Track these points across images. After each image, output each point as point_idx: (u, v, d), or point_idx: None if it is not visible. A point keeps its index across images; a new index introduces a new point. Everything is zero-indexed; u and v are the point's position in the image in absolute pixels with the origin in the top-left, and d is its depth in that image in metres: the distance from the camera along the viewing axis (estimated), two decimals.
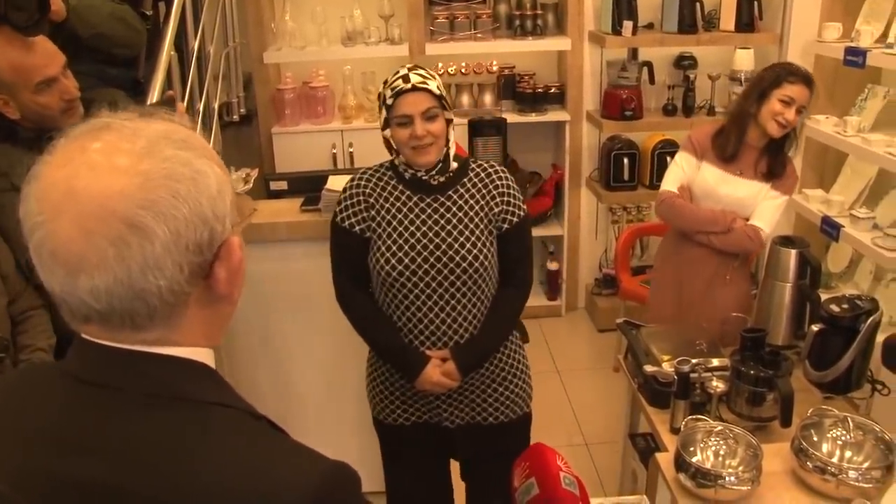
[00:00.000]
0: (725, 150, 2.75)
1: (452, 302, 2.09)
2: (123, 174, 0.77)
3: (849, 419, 1.90)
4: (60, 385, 0.86)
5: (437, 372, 2.12)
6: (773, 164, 2.73)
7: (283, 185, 3.01)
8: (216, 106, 3.50)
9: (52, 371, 0.88)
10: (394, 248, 2.07)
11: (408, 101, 1.98)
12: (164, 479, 0.78)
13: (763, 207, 2.74)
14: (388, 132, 2.05)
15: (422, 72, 2.02)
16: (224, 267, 0.85)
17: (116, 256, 0.77)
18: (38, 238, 0.79)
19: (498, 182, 2.13)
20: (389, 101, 2.00)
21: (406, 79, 1.99)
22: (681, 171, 2.85)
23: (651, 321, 2.80)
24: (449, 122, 2.06)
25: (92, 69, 2.49)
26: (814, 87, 2.66)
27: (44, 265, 0.80)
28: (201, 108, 3.20)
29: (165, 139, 0.81)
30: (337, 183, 2.65)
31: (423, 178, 2.08)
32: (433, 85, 2.00)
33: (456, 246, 2.05)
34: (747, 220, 2.75)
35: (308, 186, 2.90)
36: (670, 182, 2.85)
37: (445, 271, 2.06)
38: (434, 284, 2.07)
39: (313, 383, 2.98)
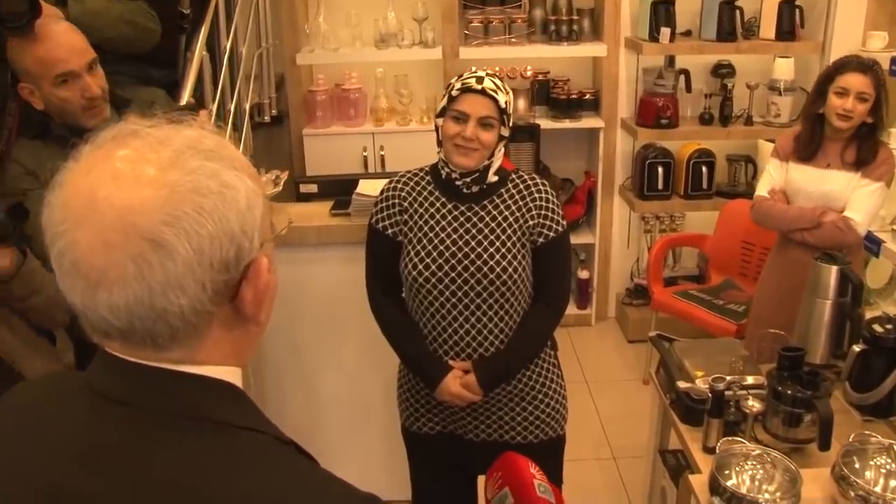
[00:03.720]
0: (805, 151, 2.85)
1: (478, 314, 2.06)
2: (147, 186, 0.74)
3: (894, 447, 1.84)
4: (83, 399, 0.83)
5: (457, 383, 2.08)
6: (862, 151, 2.76)
7: (313, 188, 3.00)
8: (247, 107, 3.49)
9: (75, 383, 0.85)
10: (422, 253, 2.05)
11: (472, 100, 1.97)
12: None
13: (855, 197, 2.77)
14: (440, 121, 2.04)
15: (497, 81, 2.01)
16: (251, 288, 0.81)
17: (136, 274, 0.74)
18: (59, 247, 0.76)
19: (536, 195, 2.08)
20: (455, 94, 1.99)
21: (480, 80, 1.98)
22: (769, 177, 2.98)
23: (752, 327, 2.84)
24: (502, 138, 2.03)
25: (135, 71, 2.49)
26: (873, 73, 2.69)
27: (65, 276, 0.77)
28: (232, 109, 3.19)
29: (192, 149, 0.78)
30: (368, 187, 2.62)
31: (458, 183, 2.05)
32: (502, 98, 1.99)
33: (485, 256, 2.02)
34: (843, 212, 2.77)
35: (338, 190, 2.88)
36: (761, 187, 2.99)
37: (472, 281, 2.03)
38: (460, 294, 2.04)
39: (342, 390, 2.95)
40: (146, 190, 0.74)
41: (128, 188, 0.74)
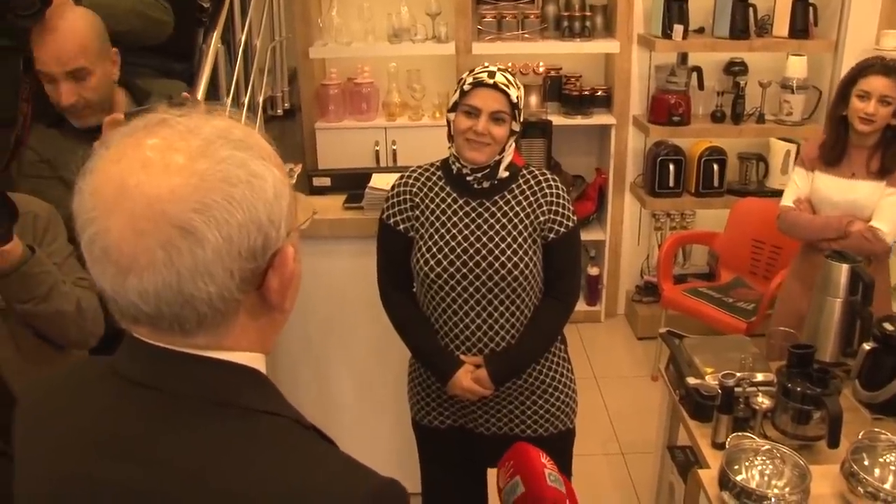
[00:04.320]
0: (829, 156, 2.81)
1: (490, 309, 2.06)
2: (176, 174, 0.75)
3: None
4: (107, 385, 0.84)
5: (469, 378, 2.09)
6: (886, 159, 2.73)
7: (327, 181, 3.00)
8: (261, 100, 3.50)
9: (100, 369, 0.86)
10: (434, 249, 2.05)
11: (483, 94, 1.97)
12: (206, 490, 0.76)
13: (881, 206, 2.73)
14: (451, 115, 2.04)
15: (509, 76, 2.01)
16: (277, 276, 0.83)
17: (166, 260, 0.75)
18: (90, 234, 0.77)
19: (547, 190, 2.08)
20: (466, 88, 1.99)
21: (491, 75, 1.98)
22: (795, 186, 2.95)
23: (774, 330, 2.80)
24: (513, 133, 2.03)
25: (157, 63, 2.50)
26: None
27: (95, 262, 0.78)
28: (246, 102, 3.20)
29: (222, 138, 0.79)
30: (381, 181, 2.63)
31: (469, 179, 2.05)
32: (514, 93, 1.98)
33: (496, 252, 2.02)
34: (870, 221, 2.74)
35: (351, 183, 2.88)
36: (786, 197, 2.96)
37: (484, 277, 2.03)
38: (472, 289, 2.04)
39: (352, 383, 2.96)
40: (175, 178, 0.75)
41: (157, 176, 0.75)
